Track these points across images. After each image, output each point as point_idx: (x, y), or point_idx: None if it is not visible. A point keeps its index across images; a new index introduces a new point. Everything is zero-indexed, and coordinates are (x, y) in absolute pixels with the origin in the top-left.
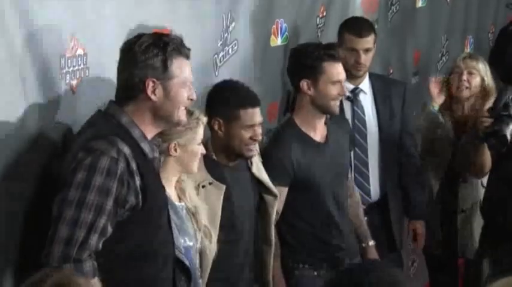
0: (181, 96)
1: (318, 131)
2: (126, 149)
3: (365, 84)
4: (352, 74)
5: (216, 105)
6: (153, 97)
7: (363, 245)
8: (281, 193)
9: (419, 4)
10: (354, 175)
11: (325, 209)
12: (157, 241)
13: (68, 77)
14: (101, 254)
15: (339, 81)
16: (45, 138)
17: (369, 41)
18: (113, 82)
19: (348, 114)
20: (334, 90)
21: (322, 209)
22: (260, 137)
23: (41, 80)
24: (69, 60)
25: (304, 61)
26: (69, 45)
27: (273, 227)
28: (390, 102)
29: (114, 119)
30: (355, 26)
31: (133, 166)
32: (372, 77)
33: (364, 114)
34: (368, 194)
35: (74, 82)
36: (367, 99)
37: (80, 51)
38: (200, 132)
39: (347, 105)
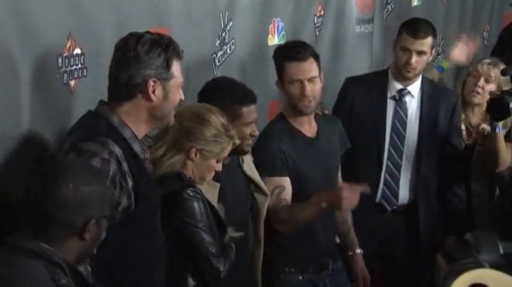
0: (178, 97)
1: (308, 127)
2: (117, 150)
3: (414, 88)
4: (401, 75)
5: (217, 104)
6: (152, 97)
7: (350, 253)
8: (285, 183)
9: (415, 3)
10: (384, 175)
11: None
12: (150, 242)
13: (65, 76)
14: (94, 258)
15: (295, 81)
16: (41, 139)
17: (424, 44)
18: None
19: (390, 112)
20: (295, 89)
21: None
22: (257, 133)
23: (38, 80)
24: (67, 60)
25: (274, 61)
26: (66, 44)
27: (262, 226)
28: (437, 111)
29: (104, 120)
30: (413, 27)
31: (125, 166)
32: (424, 81)
33: (406, 116)
34: (395, 196)
35: (72, 82)
36: (413, 103)
37: (77, 51)
38: (226, 151)
39: (390, 104)
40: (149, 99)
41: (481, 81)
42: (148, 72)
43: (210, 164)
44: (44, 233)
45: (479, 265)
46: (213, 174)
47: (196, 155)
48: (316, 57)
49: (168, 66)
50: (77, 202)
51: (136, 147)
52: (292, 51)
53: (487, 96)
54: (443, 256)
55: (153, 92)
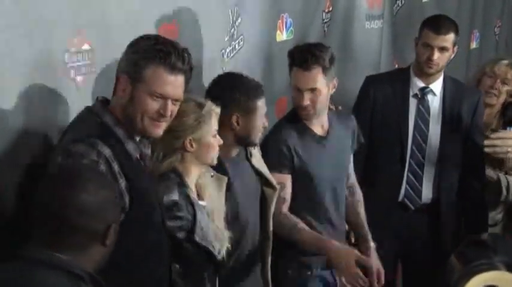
0: (145, 105)
1: (319, 124)
2: (107, 151)
3: (437, 86)
4: (423, 72)
5: (230, 101)
6: (120, 93)
7: (363, 246)
8: (286, 180)
9: None
10: (407, 174)
11: (322, 205)
12: (149, 241)
13: (72, 72)
14: None
15: (296, 88)
16: (46, 135)
17: (446, 40)
18: None
19: (412, 111)
20: (295, 96)
21: (319, 204)
22: (267, 124)
23: (45, 75)
24: (75, 55)
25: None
26: (75, 40)
27: (271, 220)
28: (459, 109)
29: (98, 118)
30: (435, 23)
31: (116, 167)
32: (447, 80)
33: (428, 115)
34: (418, 195)
35: (80, 78)
36: (435, 101)
37: (85, 46)
38: (214, 124)
39: (412, 102)
40: (118, 94)
41: (498, 83)
42: (122, 68)
43: (209, 143)
44: (63, 243)
45: (492, 267)
46: (217, 149)
47: (192, 145)
48: (325, 67)
49: (136, 65)
50: (98, 207)
51: (130, 146)
52: (300, 58)
53: (503, 98)
54: (457, 256)
55: (123, 89)
